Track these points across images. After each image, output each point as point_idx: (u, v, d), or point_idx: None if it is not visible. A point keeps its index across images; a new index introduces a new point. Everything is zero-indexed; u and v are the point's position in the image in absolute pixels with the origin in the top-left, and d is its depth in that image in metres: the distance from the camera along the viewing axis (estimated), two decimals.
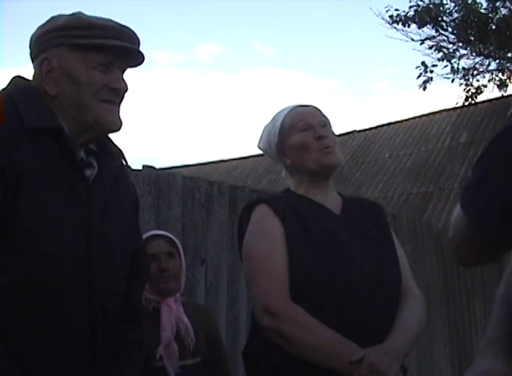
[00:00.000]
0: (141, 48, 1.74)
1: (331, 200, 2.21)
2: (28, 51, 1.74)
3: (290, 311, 1.93)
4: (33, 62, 1.72)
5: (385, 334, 1.95)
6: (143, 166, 3.47)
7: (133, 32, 1.73)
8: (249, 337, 2.18)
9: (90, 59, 1.66)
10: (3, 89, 1.69)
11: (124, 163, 1.87)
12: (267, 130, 2.29)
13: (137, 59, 1.76)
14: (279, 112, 2.28)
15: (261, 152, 2.41)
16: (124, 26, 1.71)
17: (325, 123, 2.23)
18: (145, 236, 2.59)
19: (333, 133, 2.26)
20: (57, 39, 1.66)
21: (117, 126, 1.72)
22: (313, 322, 1.91)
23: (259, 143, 2.36)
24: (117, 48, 1.67)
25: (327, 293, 1.95)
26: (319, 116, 2.24)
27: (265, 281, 1.98)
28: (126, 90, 1.72)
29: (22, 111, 1.59)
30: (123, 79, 1.73)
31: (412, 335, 2.01)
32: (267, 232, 2.05)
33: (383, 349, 1.89)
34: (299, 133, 2.17)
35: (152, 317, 2.40)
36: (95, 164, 1.73)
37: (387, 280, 2.06)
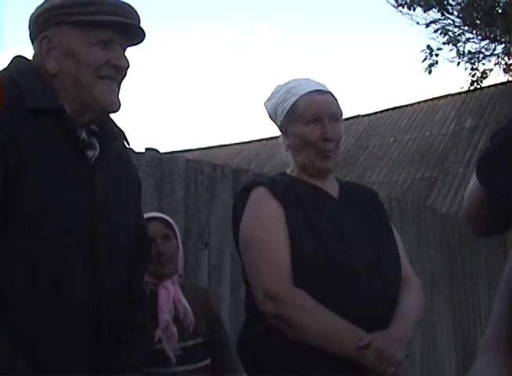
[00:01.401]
0: (141, 25, 1.72)
1: (328, 183, 2.16)
2: (28, 32, 1.72)
3: (293, 296, 1.90)
4: (32, 43, 1.70)
5: (386, 321, 1.93)
6: (146, 149, 3.45)
7: (133, 8, 1.70)
8: (244, 327, 2.13)
9: (90, 36, 1.63)
10: (4, 69, 1.67)
11: (126, 144, 1.85)
12: (278, 96, 2.18)
13: (138, 36, 1.74)
14: (296, 86, 2.16)
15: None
16: (123, 2, 1.68)
17: (337, 117, 2.14)
18: None
19: (341, 128, 2.18)
20: (56, 17, 1.63)
21: (115, 106, 1.70)
22: (317, 307, 1.89)
23: (266, 102, 2.25)
24: (117, 24, 1.65)
25: (327, 280, 1.93)
26: (334, 108, 2.14)
27: (267, 267, 1.94)
28: (127, 67, 1.70)
29: (24, 91, 1.58)
30: (124, 56, 1.70)
31: (414, 322, 2.01)
32: (266, 216, 2.00)
33: (389, 334, 1.88)
34: (306, 125, 2.08)
35: (149, 300, 2.39)
36: (97, 145, 1.71)
37: (387, 268, 2.04)
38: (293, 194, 2.04)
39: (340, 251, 1.96)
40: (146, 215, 2.57)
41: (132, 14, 1.69)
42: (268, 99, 2.25)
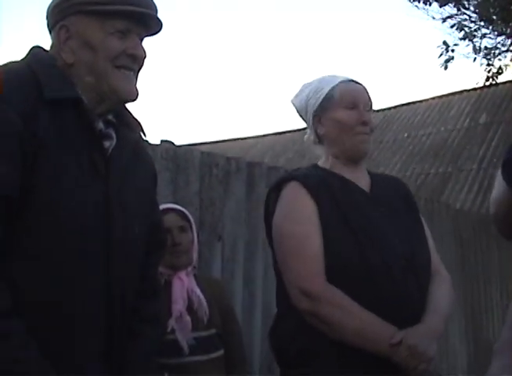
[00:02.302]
0: (158, 16, 1.72)
1: (360, 177, 2.15)
2: (46, 22, 1.72)
3: (328, 293, 1.90)
4: (50, 33, 1.70)
5: (419, 316, 1.93)
6: (161, 141, 3.45)
7: None
8: (277, 320, 2.12)
9: (107, 26, 1.63)
10: (21, 60, 1.67)
11: (143, 135, 1.85)
12: (308, 90, 2.19)
13: (155, 26, 1.73)
14: (328, 79, 2.19)
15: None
16: None
17: (370, 106, 2.17)
18: None
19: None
20: (74, 7, 1.64)
21: (133, 95, 1.69)
22: (352, 304, 1.88)
23: (294, 99, 2.26)
24: (134, 14, 1.65)
25: (363, 277, 1.92)
26: (368, 96, 2.18)
27: (302, 264, 1.93)
28: (144, 57, 1.69)
29: (42, 81, 1.58)
30: (141, 45, 1.70)
31: (445, 315, 2.01)
32: (300, 212, 1.99)
33: (420, 330, 1.88)
34: (345, 110, 2.10)
35: (163, 290, 2.41)
36: (114, 135, 1.71)
37: (420, 263, 2.04)
38: (326, 189, 2.03)
39: (374, 247, 1.96)
40: (162, 207, 2.59)
41: (149, 4, 1.69)
42: (296, 96, 2.25)
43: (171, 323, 2.43)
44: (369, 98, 2.18)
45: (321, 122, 2.15)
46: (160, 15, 1.72)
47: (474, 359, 6.18)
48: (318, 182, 2.04)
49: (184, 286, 2.52)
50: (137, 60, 1.68)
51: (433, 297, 2.01)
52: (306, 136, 2.27)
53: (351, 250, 1.94)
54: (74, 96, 1.61)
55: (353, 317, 1.88)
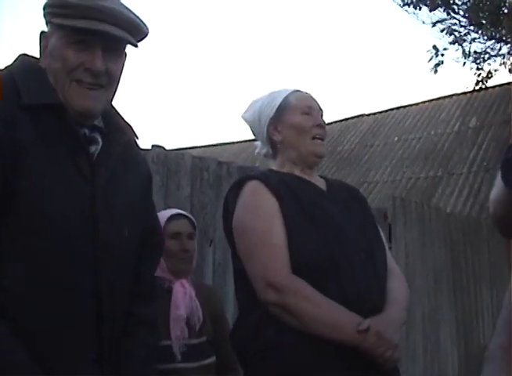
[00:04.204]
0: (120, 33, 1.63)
1: (316, 178, 2.24)
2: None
3: (294, 285, 1.93)
4: None
5: (379, 308, 1.99)
6: (152, 146, 3.46)
7: (120, 13, 1.64)
8: (238, 321, 2.14)
9: (67, 38, 1.63)
10: (6, 67, 1.69)
11: (135, 138, 1.85)
12: (260, 103, 2.28)
13: (124, 39, 1.67)
14: (279, 90, 2.29)
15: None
16: (106, 7, 1.62)
17: (322, 113, 2.29)
18: (169, 213, 2.64)
19: None
20: (47, 16, 1.67)
21: (86, 109, 1.65)
22: (317, 295, 1.92)
23: (244, 114, 2.34)
24: (90, 30, 1.61)
25: (328, 269, 1.96)
26: (319, 105, 2.29)
27: (267, 256, 1.96)
28: (102, 71, 1.65)
29: (21, 88, 1.59)
30: (99, 59, 1.64)
31: (404, 307, 2.10)
32: (262, 207, 2.03)
33: (385, 319, 1.95)
34: (301, 115, 2.20)
35: (164, 296, 2.41)
36: (100, 140, 1.71)
37: (377, 258, 2.11)
38: (287, 187, 2.08)
39: (337, 240, 2.01)
40: (174, 211, 2.65)
41: (117, 18, 1.63)
42: (246, 111, 2.34)
43: (175, 330, 2.45)
44: (320, 105, 2.29)
45: (277, 129, 2.23)
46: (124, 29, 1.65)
47: (464, 361, 6.20)
48: (278, 181, 2.10)
49: (186, 293, 2.53)
50: (96, 75, 1.64)
51: (392, 290, 2.09)
52: (257, 150, 2.35)
53: (316, 243, 1.98)
54: (53, 102, 1.61)
55: (320, 308, 1.91)
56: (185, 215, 2.69)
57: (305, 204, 2.06)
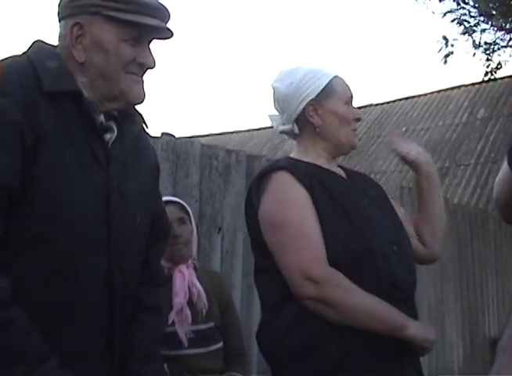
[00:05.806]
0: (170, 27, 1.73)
1: (337, 169, 2.17)
2: (57, 10, 1.71)
3: (334, 277, 1.87)
4: (59, 21, 1.70)
5: (410, 299, 2.00)
6: (162, 133, 3.46)
7: (167, 10, 1.72)
8: (266, 318, 2.08)
9: (122, 33, 1.64)
10: (23, 53, 1.68)
11: (145, 127, 1.86)
12: (300, 76, 2.13)
13: (166, 35, 1.75)
14: (320, 70, 2.15)
15: None
16: (159, 3, 1.70)
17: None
18: None
19: None
20: (93, 7, 1.63)
21: (141, 98, 1.73)
22: (356, 287, 1.88)
23: (276, 83, 2.17)
24: (149, 25, 1.66)
25: (363, 260, 1.91)
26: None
27: (303, 248, 1.89)
28: (153, 66, 1.72)
29: (40, 74, 1.59)
30: (151, 54, 1.72)
31: None
32: (294, 198, 1.95)
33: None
34: (344, 105, 2.13)
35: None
36: (115, 128, 1.73)
37: (406, 248, 2.07)
38: (314, 177, 2.01)
39: (371, 231, 1.97)
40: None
41: (165, 15, 1.71)
42: (279, 80, 2.18)
43: (172, 315, 2.45)
44: None
45: (317, 112, 2.10)
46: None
47: (470, 353, 6.21)
48: (305, 171, 2.02)
49: (185, 279, 2.53)
50: (145, 69, 1.71)
51: None
52: (275, 124, 2.22)
53: (350, 234, 1.93)
54: (73, 89, 1.62)
55: (361, 299, 1.88)
56: (171, 201, 2.65)
57: (335, 194, 2.00)
